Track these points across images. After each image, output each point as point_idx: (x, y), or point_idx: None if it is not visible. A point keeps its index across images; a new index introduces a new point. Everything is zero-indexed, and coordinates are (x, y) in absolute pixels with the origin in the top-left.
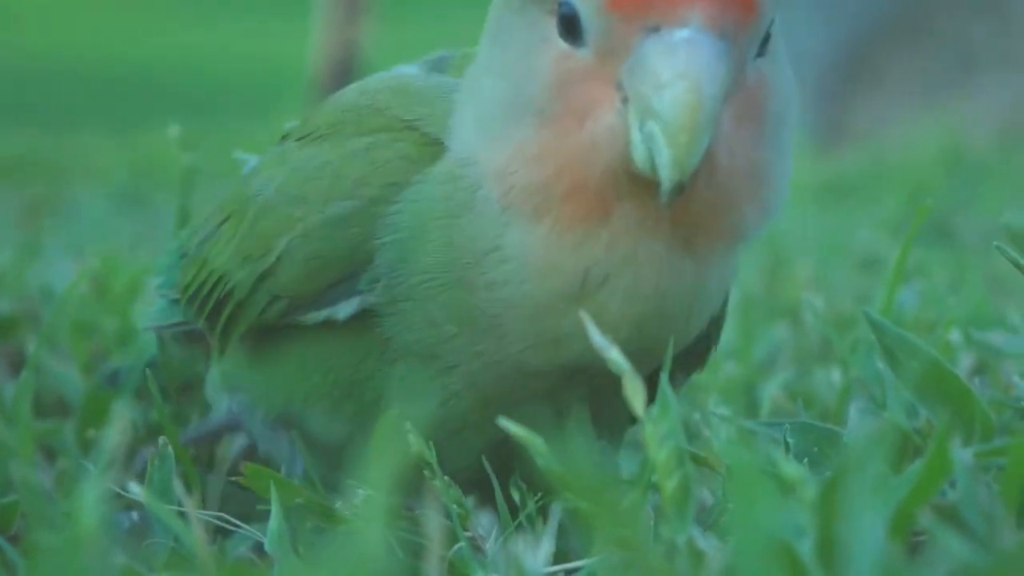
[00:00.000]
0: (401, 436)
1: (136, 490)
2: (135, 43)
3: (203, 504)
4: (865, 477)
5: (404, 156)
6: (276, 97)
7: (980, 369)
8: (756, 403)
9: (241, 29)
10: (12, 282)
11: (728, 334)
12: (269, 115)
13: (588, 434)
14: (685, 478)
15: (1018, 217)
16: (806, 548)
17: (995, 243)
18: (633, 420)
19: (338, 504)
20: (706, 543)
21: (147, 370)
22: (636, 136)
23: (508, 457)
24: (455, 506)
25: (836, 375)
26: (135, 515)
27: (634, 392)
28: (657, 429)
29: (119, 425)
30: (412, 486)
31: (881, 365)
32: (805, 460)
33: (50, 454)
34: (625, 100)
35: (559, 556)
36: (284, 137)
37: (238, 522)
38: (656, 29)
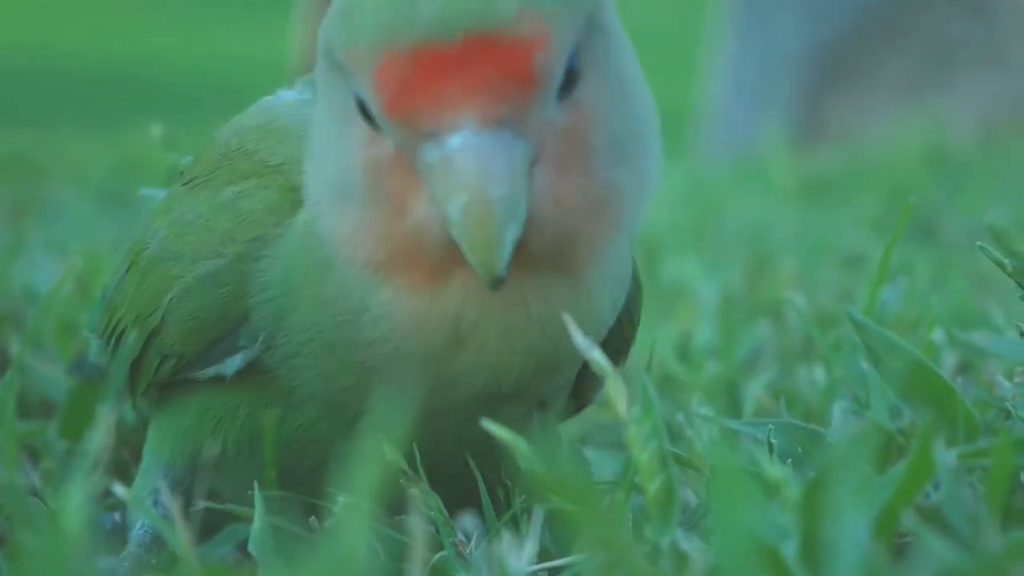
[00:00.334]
0: (379, 446)
1: (120, 491)
2: (116, 40)
3: (188, 503)
4: (849, 478)
5: (268, 206)
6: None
7: (963, 368)
8: (739, 402)
9: (221, 26)
10: None
11: (710, 333)
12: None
13: (559, 438)
14: (668, 479)
15: (1000, 215)
16: (790, 549)
17: (978, 243)
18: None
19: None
20: (690, 544)
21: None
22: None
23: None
24: (437, 513)
25: (819, 374)
26: (117, 516)
27: (616, 392)
28: (640, 430)
29: (103, 427)
30: (393, 494)
31: (865, 365)
32: (789, 460)
33: (34, 454)
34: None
35: (542, 555)
36: (180, 175)
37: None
38: (432, 136)
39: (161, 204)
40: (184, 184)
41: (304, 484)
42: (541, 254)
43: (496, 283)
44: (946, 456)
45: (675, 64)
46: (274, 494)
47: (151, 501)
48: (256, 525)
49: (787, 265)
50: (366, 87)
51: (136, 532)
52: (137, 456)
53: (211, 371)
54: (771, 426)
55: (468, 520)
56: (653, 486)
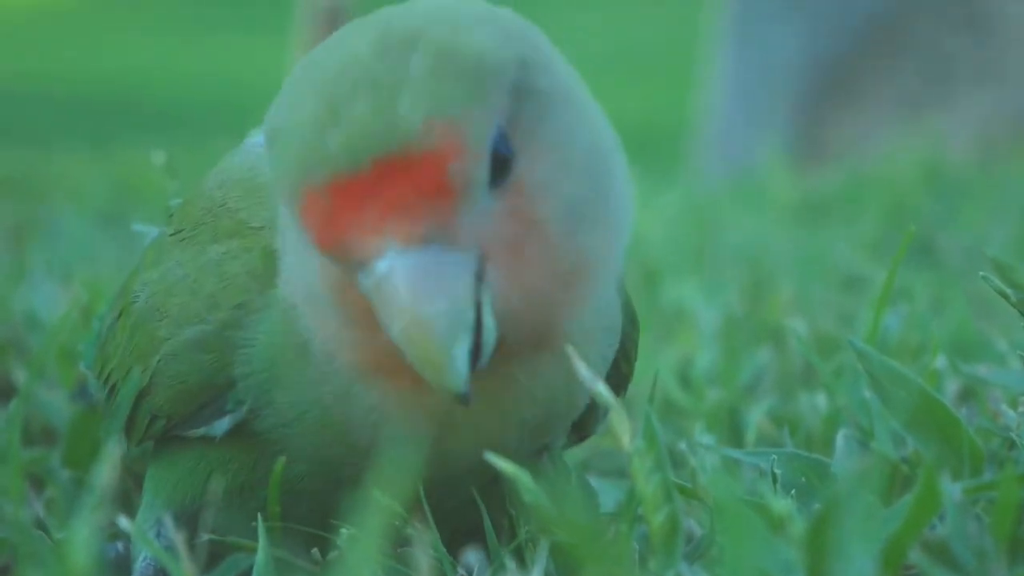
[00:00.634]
0: (387, 489)
1: (125, 523)
2: (111, 61)
3: (192, 534)
4: (855, 512)
5: (250, 271)
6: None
7: (966, 395)
8: (741, 429)
9: (220, 47)
10: None
11: (711, 358)
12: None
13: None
14: (673, 511)
15: (1000, 235)
16: None
17: (981, 274)
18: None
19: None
20: None
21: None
22: None
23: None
24: (437, 551)
25: (821, 400)
26: (120, 546)
27: (620, 425)
28: (643, 462)
29: (109, 463)
30: (400, 532)
31: (868, 394)
32: (793, 491)
33: (37, 482)
34: None
35: None
36: (170, 218)
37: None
38: (362, 264)
39: (151, 249)
40: (172, 235)
41: (304, 520)
42: (522, 341)
43: (461, 399)
44: (952, 490)
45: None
46: (277, 526)
47: (154, 533)
48: (259, 557)
49: (786, 287)
50: (297, 221)
51: (140, 564)
52: (139, 484)
53: (200, 431)
54: (775, 456)
55: (472, 555)
56: (658, 519)
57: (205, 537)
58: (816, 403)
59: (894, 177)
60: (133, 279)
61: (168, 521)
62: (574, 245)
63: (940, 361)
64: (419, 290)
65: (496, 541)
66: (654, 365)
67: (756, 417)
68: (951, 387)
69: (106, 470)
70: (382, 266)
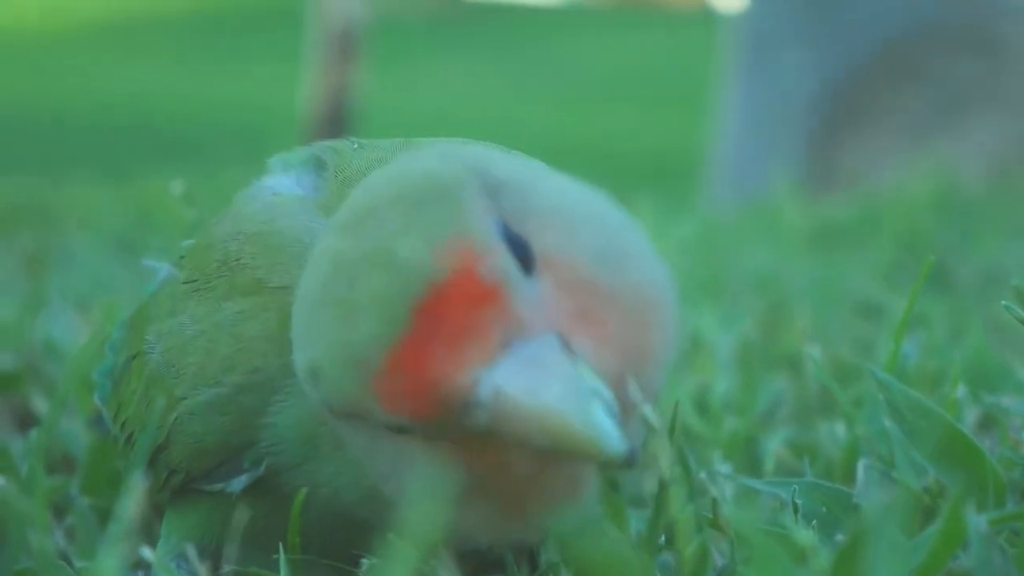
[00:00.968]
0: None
1: (148, 553)
2: (126, 88)
3: (215, 565)
4: (881, 544)
5: (267, 335)
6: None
7: (986, 422)
8: (759, 458)
9: (235, 73)
10: (15, 335)
11: (728, 386)
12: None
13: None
14: (704, 543)
15: (1017, 268)
16: None
17: (1003, 303)
18: None
19: None
20: None
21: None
22: None
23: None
24: None
25: (840, 429)
26: (141, 575)
27: (662, 451)
28: (679, 492)
29: (134, 497)
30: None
31: (889, 423)
32: (814, 522)
33: (58, 511)
34: None
35: None
36: (181, 259)
37: None
38: (469, 404)
39: (164, 296)
40: (185, 283)
41: (326, 552)
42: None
43: (628, 460)
44: (977, 522)
45: (685, 108)
46: (298, 558)
47: (176, 564)
48: None
49: (801, 314)
50: (381, 421)
51: None
52: (159, 513)
53: (217, 487)
54: (795, 486)
55: None
56: (689, 549)
57: (227, 568)
58: (835, 432)
59: (907, 203)
60: (146, 322)
61: (191, 553)
62: (623, 281)
63: (960, 390)
64: (533, 385)
65: (516, 571)
66: (674, 394)
67: (774, 446)
68: (971, 415)
69: (131, 505)
70: (487, 391)
